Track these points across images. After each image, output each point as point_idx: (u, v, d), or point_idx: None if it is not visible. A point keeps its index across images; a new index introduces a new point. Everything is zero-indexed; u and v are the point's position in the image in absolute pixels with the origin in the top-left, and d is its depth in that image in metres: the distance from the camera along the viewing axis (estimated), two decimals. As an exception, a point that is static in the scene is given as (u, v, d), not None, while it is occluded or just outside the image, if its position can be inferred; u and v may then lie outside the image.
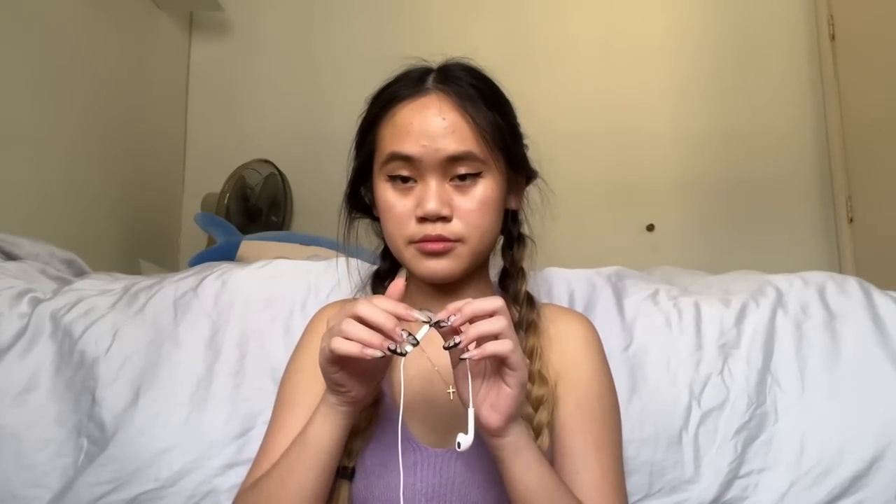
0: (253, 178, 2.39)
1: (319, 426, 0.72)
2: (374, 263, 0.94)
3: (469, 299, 0.67)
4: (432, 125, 0.78)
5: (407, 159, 0.78)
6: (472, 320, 0.65)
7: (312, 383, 0.81)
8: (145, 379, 0.98)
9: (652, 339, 1.00)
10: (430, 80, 0.82)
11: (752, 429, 0.93)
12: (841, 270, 2.29)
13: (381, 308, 0.65)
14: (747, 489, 0.91)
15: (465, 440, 0.65)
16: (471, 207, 0.79)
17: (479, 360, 0.65)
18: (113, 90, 2.17)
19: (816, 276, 1.08)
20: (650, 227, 2.49)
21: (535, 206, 0.90)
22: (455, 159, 0.78)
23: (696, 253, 2.41)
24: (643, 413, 0.94)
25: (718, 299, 1.05)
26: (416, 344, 0.65)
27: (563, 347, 0.83)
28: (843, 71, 2.37)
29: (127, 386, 0.98)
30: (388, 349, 0.64)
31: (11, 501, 0.92)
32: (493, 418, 0.67)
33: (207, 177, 2.46)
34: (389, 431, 0.79)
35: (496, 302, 0.66)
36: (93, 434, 0.95)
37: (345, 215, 0.90)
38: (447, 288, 0.83)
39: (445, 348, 0.66)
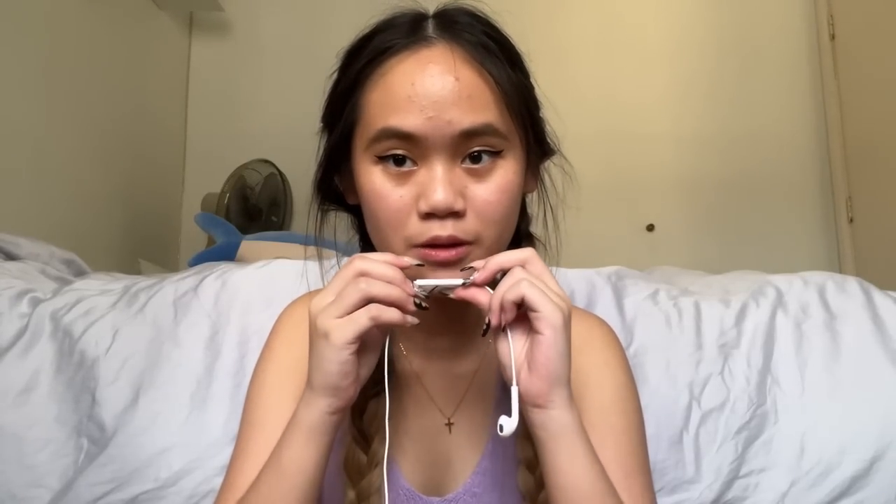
0: (253, 178, 2.39)
1: (300, 449, 0.59)
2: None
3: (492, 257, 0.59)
4: (442, 87, 0.60)
5: (406, 137, 0.60)
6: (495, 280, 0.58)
7: (283, 399, 0.68)
8: (145, 379, 0.98)
9: (652, 339, 1.00)
10: (430, 28, 0.63)
11: (753, 429, 0.93)
12: (841, 270, 2.29)
13: (386, 267, 0.58)
14: (748, 489, 0.91)
15: (508, 424, 0.56)
16: (489, 198, 0.62)
17: (508, 319, 0.57)
18: (113, 90, 2.17)
19: (816, 276, 1.08)
20: (650, 227, 2.49)
21: (548, 197, 0.78)
22: (470, 134, 0.60)
23: (696, 253, 2.41)
24: (644, 413, 0.93)
25: (718, 299, 1.05)
26: (427, 296, 0.59)
27: (581, 363, 0.68)
28: (843, 71, 2.37)
29: (127, 386, 0.97)
30: (416, 304, 0.57)
31: (11, 501, 0.91)
32: (533, 383, 0.56)
33: (207, 177, 2.46)
34: (395, 485, 0.69)
35: (524, 252, 0.58)
36: (93, 434, 0.95)
37: (315, 207, 0.73)
38: (451, 300, 0.63)
39: (463, 283, 0.59)
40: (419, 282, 0.60)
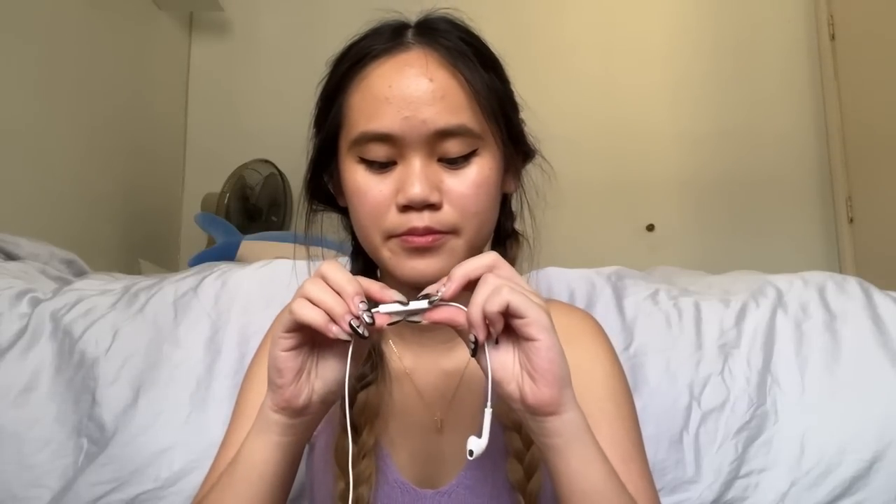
0: (253, 178, 2.39)
1: (251, 441, 0.60)
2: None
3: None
4: (416, 88, 0.63)
5: (385, 139, 0.64)
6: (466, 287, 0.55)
7: None
8: (145, 379, 0.98)
9: (652, 339, 1.00)
10: (410, 35, 0.67)
11: (753, 429, 0.93)
12: (841, 270, 2.29)
13: (347, 276, 0.55)
14: (748, 489, 0.91)
15: (478, 445, 0.52)
16: (465, 191, 0.64)
17: (491, 329, 0.54)
18: (113, 90, 2.17)
19: (816, 276, 1.08)
20: (650, 227, 2.49)
21: (531, 197, 0.79)
22: (444, 134, 0.64)
23: (696, 253, 2.41)
24: (644, 413, 0.94)
25: (718, 299, 1.05)
26: (371, 323, 0.53)
27: (568, 354, 0.64)
28: (843, 71, 2.37)
29: (127, 386, 0.98)
30: (351, 326, 0.52)
31: (11, 501, 0.91)
32: (543, 392, 0.53)
33: (207, 177, 2.46)
34: (389, 479, 0.71)
35: (488, 256, 0.55)
36: (93, 434, 0.95)
37: (305, 206, 0.76)
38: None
39: (429, 302, 0.55)
40: (383, 307, 0.55)
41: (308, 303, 0.54)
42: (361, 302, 0.53)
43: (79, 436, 0.95)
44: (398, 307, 0.55)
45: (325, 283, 0.55)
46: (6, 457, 0.93)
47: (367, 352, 0.62)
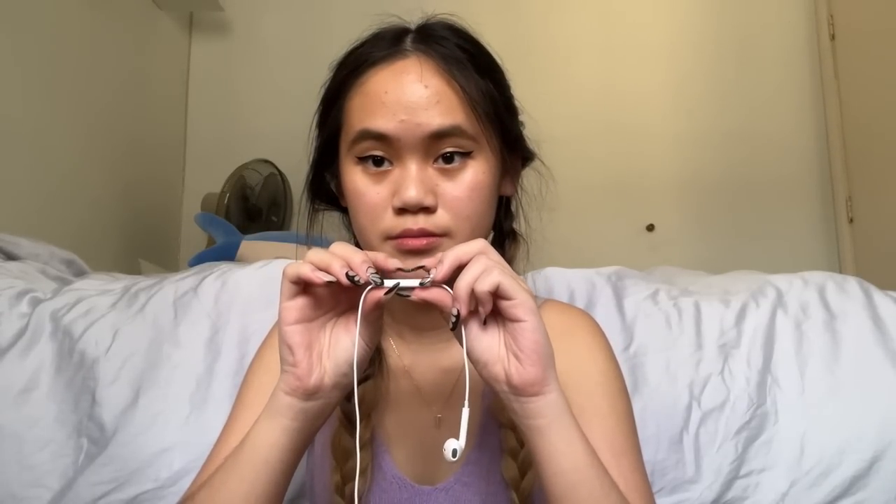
0: (253, 178, 2.39)
1: (260, 425, 0.60)
2: None
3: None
4: (412, 94, 0.66)
5: (380, 137, 0.66)
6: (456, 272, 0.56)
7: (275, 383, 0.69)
8: (145, 379, 0.98)
9: (652, 339, 1.00)
10: (409, 41, 0.69)
11: (753, 429, 0.93)
12: (841, 270, 2.29)
13: (353, 248, 0.57)
14: (748, 489, 0.91)
15: (458, 445, 0.53)
16: (459, 195, 0.66)
17: (474, 313, 0.55)
18: (113, 90, 2.17)
19: (816, 276, 1.08)
20: (650, 227, 2.49)
21: (531, 199, 0.80)
22: (440, 136, 0.66)
23: (696, 253, 2.41)
24: (644, 413, 0.94)
25: (718, 299, 1.05)
26: (379, 283, 0.55)
27: (564, 350, 0.68)
28: (843, 71, 2.37)
29: (127, 386, 0.98)
30: (347, 276, 0.54)
31: (11, 501, 0.91)
32: (528, 371, 0.54)
33: (207, 177, 2.46)
34: (387, 475, 0.72)
35: (477, 243, 0.57)
36: (93, 434, 0.95)
37: (307, 206, 0.78)
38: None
39: (420, 283, 0.56)
40: (387, 282, 0.57)
41: (304, 263, 0.56)
42: (369, 268, 0.55)
43: (79, 436, 0.95)
44: (397, 281, 0.57)
45: (327, 252, 0.56)
46: (6, 457, 0.93)
47: (378, 338, 0.62)
